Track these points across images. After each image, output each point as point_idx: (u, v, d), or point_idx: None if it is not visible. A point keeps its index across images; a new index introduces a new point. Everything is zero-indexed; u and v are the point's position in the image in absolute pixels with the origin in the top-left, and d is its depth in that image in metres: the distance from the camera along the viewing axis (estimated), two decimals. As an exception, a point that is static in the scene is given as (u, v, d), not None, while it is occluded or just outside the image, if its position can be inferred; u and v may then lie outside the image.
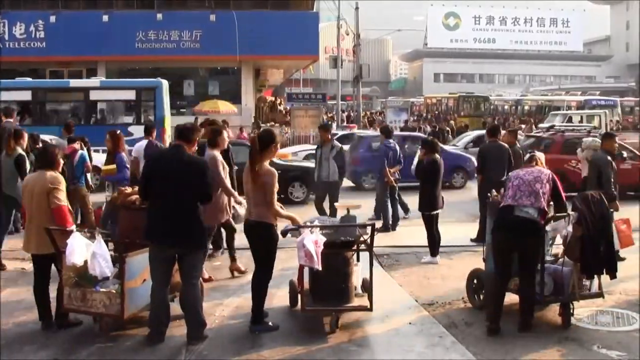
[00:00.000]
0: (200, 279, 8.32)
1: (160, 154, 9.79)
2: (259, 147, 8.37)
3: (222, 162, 10.53)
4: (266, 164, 8.35)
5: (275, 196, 8.27)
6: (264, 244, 8.37)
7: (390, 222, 15.47)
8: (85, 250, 7.99)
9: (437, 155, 12.80)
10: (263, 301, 8.45)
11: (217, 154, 10.56)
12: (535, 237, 8.35)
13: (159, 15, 35.41)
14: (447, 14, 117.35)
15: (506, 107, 67.40)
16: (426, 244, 12.66)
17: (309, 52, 38.82)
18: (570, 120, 35.37)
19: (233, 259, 11.33)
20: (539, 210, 8.26)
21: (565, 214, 8.54)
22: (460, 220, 16.73)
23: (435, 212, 12.59)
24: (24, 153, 12.32)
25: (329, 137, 15.60)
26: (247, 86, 38.34)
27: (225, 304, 9.60)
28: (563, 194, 8.57)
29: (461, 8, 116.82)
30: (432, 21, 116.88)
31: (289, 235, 8.74)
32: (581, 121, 37.27)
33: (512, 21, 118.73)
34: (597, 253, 8.47)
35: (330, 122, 23.72)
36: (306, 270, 8.44)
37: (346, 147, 18.16)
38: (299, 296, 8.80)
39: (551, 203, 8.57)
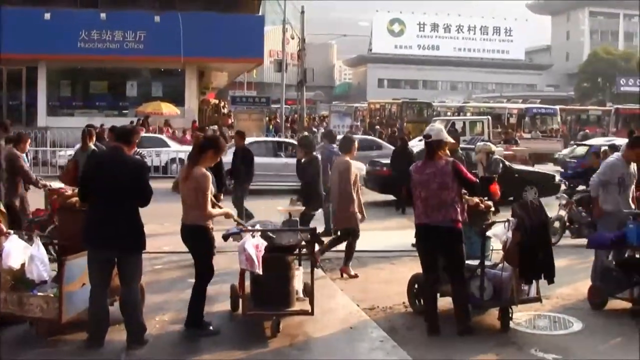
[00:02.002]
0: (141, 282, 8.22)
1: (100, 155, 9.69)
2: (197, 150, 8.42)
3: None
4: (201, 167, 8.33)
5: (208, 199, 8.25)
6: (200, 248, 8.38)
7: (332, 226, 15.48)
8: (23, 253, 7.86)
9: (314, 154, 14.04)
10: (202, 305, 8.42)
11: None
12: (454, 243, 8.53)
13: (103, 15, 34.95)
14: (392, 20, 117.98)
15: (449, 113, 67.98)
16: (369, 248, 12.78)
17: (254, 55, 38.77)
18: (453, 126, 35.14)
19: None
20: (451, 220, 8.41)
21: (494, 210, 8.77)
22: (403, 225, 16.86)
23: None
24: None
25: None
26: (190, 88, 38.12)
27: (166, 308, 9.52)
28: (469, 176, 8.63)
29: (406, 15, 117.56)
30: (377, 27, 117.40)
31: (230, 239, 8.72)
32: (463, 128, 37.48)
33: (456, 29, 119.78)
34: (535, 259, 8.60)
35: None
36: (247, 275, 8.42)
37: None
38: (240, 300, 8.77)
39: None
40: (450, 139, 9.03)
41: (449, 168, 8.47)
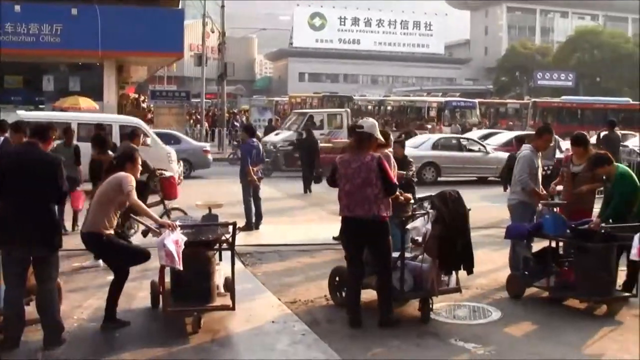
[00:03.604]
0: (58, 281, 8.07)
1: (14, 151, 9.46)
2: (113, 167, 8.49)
3: None
4: (121, 173, 8.29)
5: (112, 207, 8.28)
6: (102, 252, 8.38)
7: (254, 220, 15.47)
8: None
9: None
10: (115, 300, 8.35)
11: None
12: (380, 235, 8.57)
13: (17, 7, 34.03)
14: (312, 14, 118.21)
15: (369, 107, 68.46)
16: (290, 242, 12.82)
17: (174, 49, 38.25)
18: (311, 119, 35.10)
19: None
20: (375, 215, 8.47)
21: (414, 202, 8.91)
22: (324, 218, 16.94)
23: None
24: None
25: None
26: (109, 83, 37.44)
27: (84, 306, 9.34)
28: (390, 176, 8.63)
29: (327, 9, 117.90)
30: (298, 21, 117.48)
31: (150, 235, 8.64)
32: (322, 121, 36.98)
33: (377, 23, 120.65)
34: (454, 250, 8.72)
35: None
36: (167, 271, 8.34)
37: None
38: (161, 297, 8.68)
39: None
40: (381, 138, 9.07)
41: (374, 164, 8.48)
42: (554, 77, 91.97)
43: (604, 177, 10.16)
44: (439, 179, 25.71)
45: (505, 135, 32.31)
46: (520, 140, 17.45)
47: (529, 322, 9.04)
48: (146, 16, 35.56)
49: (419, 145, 26.73)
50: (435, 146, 27.15)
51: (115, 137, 20.12)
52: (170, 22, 36.75)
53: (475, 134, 35.26)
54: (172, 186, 14.26)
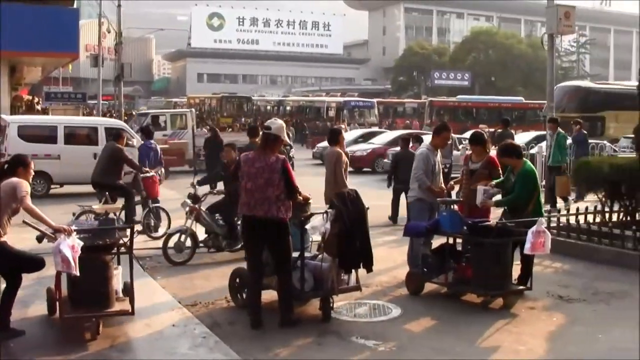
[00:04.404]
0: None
1: None
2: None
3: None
4: (14, 179, 8.09)
5: (5, 214, 8.06)
6: None
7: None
8: None
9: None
10: (8, 309, 8.08)
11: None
12: (280, 236, 8.60)
13: None
14: (211, 15, 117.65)
15: (269, 107, 68.54)
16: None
17: (69, 50, 37.35)
18: (155, 120, 34.42)
19: None
20: (274, 215, 8.49)
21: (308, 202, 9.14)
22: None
23: None
24: None
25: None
26: (1, 84, 36.48)
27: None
28: (292, 179, 8.63)
29: (225, 9, 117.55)
30: (196, 21, 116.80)
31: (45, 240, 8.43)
32: (165, 122, 35.41)
33: (276, 23, 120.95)
34: (354, 248, 8.78)
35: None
36: (64, 276, 8.15)
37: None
38: (57, 304, 8.48)
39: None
40: (287, 139, 9.10)
41: (278, 166, 8.48)
42: (451, 77, 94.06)
43: (509, 169, 10.34)
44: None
45: (389, 135, 32.88)
46: (405, 140, 17.90)
47: (429, 317, 9.17)
48: (40, 15, 34.61)
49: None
50: None
51: (102, 139, 21.08)
52: (64, 21, 35.88)
53: (354, 133, 35.98)
54: (154, 185, 14.98)
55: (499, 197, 10.30)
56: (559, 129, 19.23)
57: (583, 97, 38.26)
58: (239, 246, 12.53)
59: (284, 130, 8.89)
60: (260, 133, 9.07)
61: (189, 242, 12.57)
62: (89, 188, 15.63)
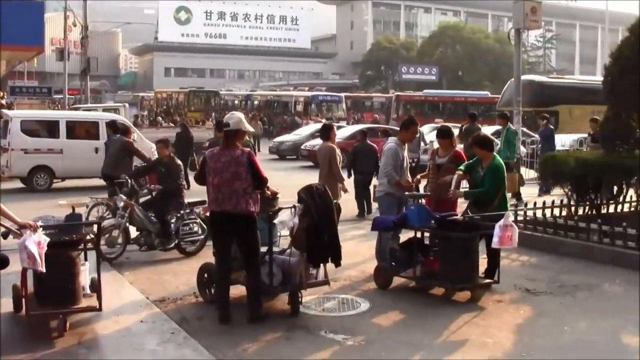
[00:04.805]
0: None
1: None
2: None
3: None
4: None
5: None
6: None
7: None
8: None
9: None
10: None
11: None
12: (248, 230, 8.61)
13: None
14: (178, 8, 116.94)
15: (236, 102, 68.33)
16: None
17: (33, 43, 36.84)
18: None
19: None
20: (243, 209, 8.50)
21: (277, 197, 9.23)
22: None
23: None
24: None
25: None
26: (-35, 79, 36.14)
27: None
28: (260, 171, 8.66)
29: (192, 3, 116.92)
30: (163, 15, 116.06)
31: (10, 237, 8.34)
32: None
33: (243, 17, 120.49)
34: (322, 242, 8.79)
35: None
36: (30, 273, 8.08)
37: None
38: (23, 300, 8.40)
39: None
40: (249, 128, 9.09)
41: (244, 159, 8.48)
42: (418, 72, 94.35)
43: (477, 159, 10.38)
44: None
45: (349, 129, 32.95)
46: (364, 133, 18.06)
47: (397, 311, 9.21)
48: (3, 8, 34.27)
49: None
50: None
51: (102, 134, 21.24)
52: (29, 14, 35.40)
53: (311, 127, 36.06)
54: None
55: (467, 188, 10.39)
56: (509, 125, 19.27)
57: (536, 91, 38.40)
58: (172, 245, 12.50)
59: (243, 120, 8.87)
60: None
61: (120, 239, 12.29)
62: (89, 182, 15.60)
